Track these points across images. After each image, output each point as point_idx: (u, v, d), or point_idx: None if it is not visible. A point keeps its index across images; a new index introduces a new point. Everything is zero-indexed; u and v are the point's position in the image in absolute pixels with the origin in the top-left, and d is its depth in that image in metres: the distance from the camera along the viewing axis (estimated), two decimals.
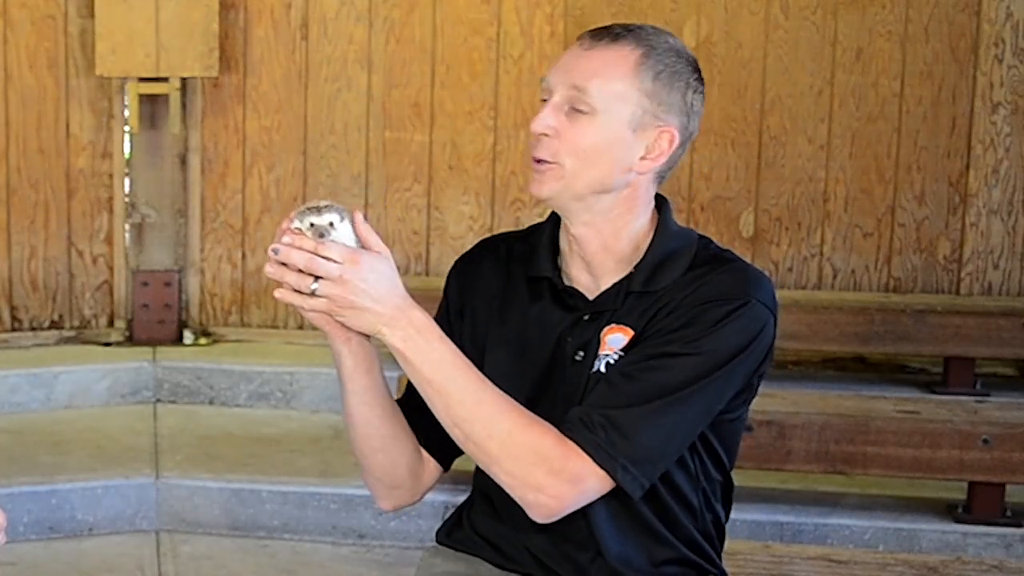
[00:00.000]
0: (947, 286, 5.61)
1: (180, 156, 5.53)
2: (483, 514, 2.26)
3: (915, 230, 5.60)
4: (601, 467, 2.01)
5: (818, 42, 5.54)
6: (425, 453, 2.23)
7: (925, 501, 4.41)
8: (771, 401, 4.21)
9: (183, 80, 5.36)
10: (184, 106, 5.43)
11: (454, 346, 2.02)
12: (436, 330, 2.00)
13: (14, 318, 5.50)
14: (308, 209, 1.94)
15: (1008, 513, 4.27)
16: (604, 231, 2.13)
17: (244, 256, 5.63)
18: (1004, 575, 3.15)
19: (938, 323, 5.12)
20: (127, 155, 5.49)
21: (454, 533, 2.33)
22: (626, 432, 2.01)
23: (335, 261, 1.91)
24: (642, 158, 2.08)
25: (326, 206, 1.94)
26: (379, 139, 5.60)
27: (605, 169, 2.08)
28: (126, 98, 5.38)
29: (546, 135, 2.07)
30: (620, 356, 2.10)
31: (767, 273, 2.14)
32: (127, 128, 5.44)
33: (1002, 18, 5.45)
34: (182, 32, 5.25)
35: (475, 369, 2.03)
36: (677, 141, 2.09)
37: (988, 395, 5.01)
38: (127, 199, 5.52)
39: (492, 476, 2.05)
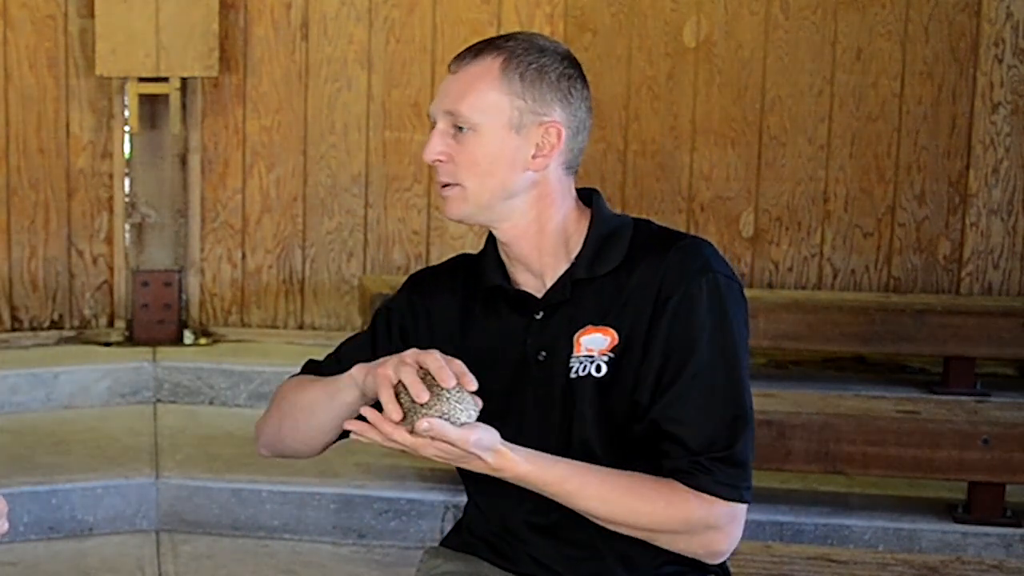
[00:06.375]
0: (947, 286, 5.61)
1: (180, 156, 5.53)
2: (479, 519, 2.28)
3: (915, 230, 5.60)
4: (732, 500, 2.10)
5: (818, 42, 5.54)
6: None
7: (925, 501, 4.41)
8: (771, 401, 4.21)
9: (183, 80, 5.36)
10: (184, 106, 5.43)
11: (554, 468, 2.07)
12: (532, 468, 2.05)
13: (14, 318, 5.50)
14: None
15: (1008, 513, 4.27)
16: (529, 230, 2.17)
17: (244, 256, 5.63)
18: (1004, 575, 3.15)
19: (938, 323, 5.12)
20: (127, 155, 5.50)
21: (455, 538, 2.35)
22: (738, 460, 2.10)
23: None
24: (534, 156, 2.14)
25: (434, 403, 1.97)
26: (379, 139, 5.60)
27: (501, 176, 2.14)
28: (126, 98, 5.38)
29: (440, 160, 2.16)
30: (611, 358, 2.12)
31: (711, 241, 2.22)
32: (127, 128, 5.44)
33: (1002, 18, 5.46)
34: (182, 32, 5.25)
35: (589, 475, 2.08)
36: (565, 133, 2.14)
37: (988, 395, 5.01)
38: (127, 199, 5.52)
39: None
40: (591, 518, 2.11)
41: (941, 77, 5.53)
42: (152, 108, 5.41)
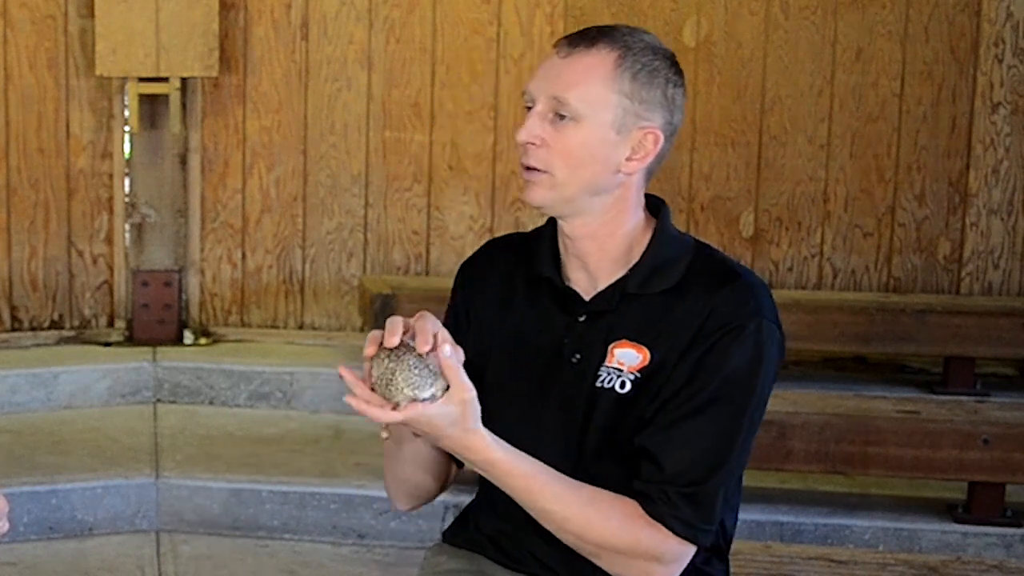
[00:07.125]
0: (947, 286, 5.61)
1: (180, 156, 5.53)
2: (487, 514, 2.28)
3: (915, 230, 5.60)
4: (687, 540, 2.09)
5: (818, 42, 5.54)
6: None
7: (925, 501, 4.41)
8: (771, 401, 4.16)
9: (183, 80, 5.36)
10: (184, 106, 5.43)
11: (524, 462, 2.05)
12: (504, 456, 2.02)
13: (14, 318, 5.50)
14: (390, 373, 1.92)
15: (1008, 513, 4.27)
16: (600, 231, 2.15)
17: (244, 256, 5.63)
18: (1004, 575, 3.15)
19: (938, 323, 5.12)
20: (127, 155, 5.50)
21: (459, 533, 2.34)
22: (703, 501, 2.08)
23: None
24: (628, 159, 2.11)
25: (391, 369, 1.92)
26: (379, 139, 5.60)
27: (594, 172, 2.10)
28: (126, 98, 5.38)
29: (533, 144, 2.10)
30: (638, 378, 2.11)
31: (762, 276, 2.17)
32: (127, 128, 5.44)
33: (1002, 18, 5.46)
34: (182, 32, 5.25)
35: (554, 477, 2.06)
36: (662, 139, 2.11)
37: (988, 395, 5.01)
38: (127, 199, 5.52)
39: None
40: (544, 523, 2.08)
41: (941, 77, 5.53)
42: (152, 108, 5.41)
